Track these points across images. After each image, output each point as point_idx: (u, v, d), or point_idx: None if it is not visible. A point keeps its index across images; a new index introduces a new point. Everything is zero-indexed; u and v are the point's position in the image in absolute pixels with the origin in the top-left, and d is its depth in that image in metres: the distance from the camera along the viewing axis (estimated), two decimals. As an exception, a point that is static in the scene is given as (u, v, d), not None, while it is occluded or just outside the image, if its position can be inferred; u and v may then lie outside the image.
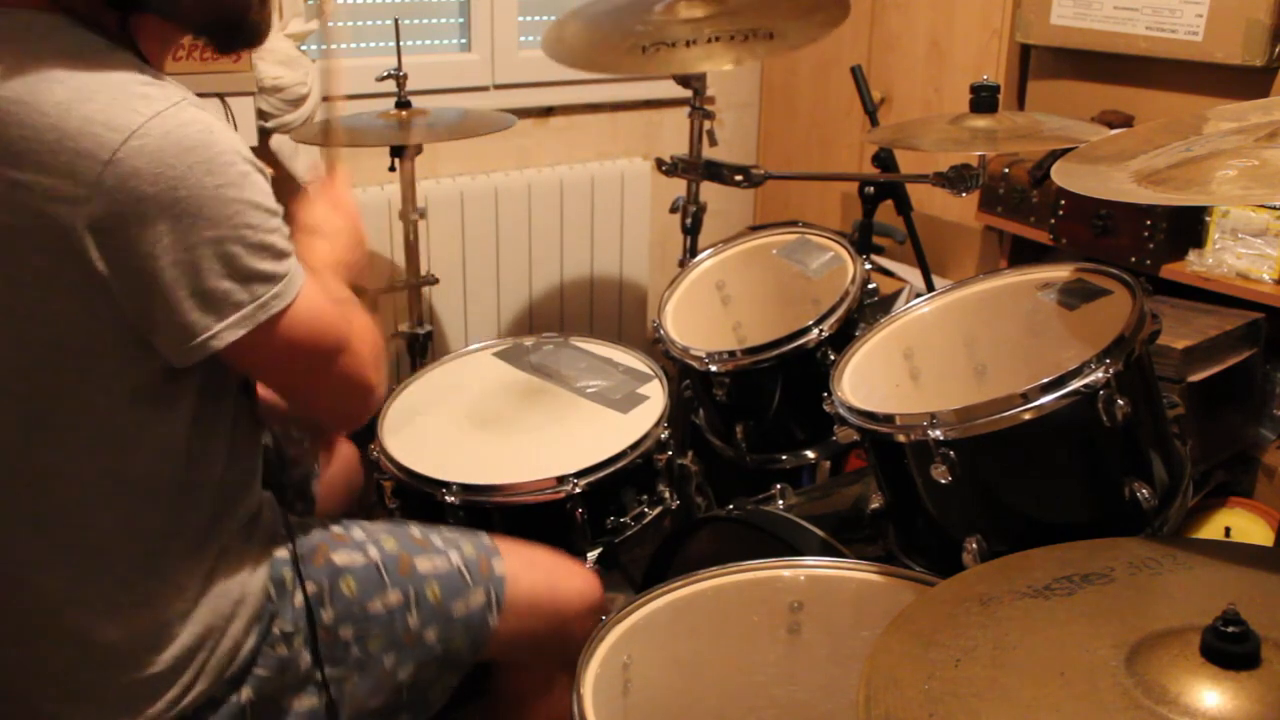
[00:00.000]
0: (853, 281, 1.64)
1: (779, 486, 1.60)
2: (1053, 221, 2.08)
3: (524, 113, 2.61)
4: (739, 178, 1.96)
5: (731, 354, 1.64)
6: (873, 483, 1.39)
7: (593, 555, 1.50)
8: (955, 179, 1.72)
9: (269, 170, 1.04)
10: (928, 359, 1.47)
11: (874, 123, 2.08)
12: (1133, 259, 1.94)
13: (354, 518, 1.59)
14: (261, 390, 1.21)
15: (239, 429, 1.14)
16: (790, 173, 2.85)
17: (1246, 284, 1.84)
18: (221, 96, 1.97)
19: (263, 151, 2.16)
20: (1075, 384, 1.16)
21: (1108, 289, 1.34)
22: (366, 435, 1.62)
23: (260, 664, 1.14)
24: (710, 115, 2.07)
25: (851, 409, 1.31)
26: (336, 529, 1.26)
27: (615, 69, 1.96)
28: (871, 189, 1.90)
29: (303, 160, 2.20)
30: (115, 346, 1.00)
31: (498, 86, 2.63)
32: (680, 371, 1.79)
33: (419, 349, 2.27)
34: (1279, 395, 1.94)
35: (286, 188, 2.05)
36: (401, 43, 2.06)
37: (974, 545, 1.22)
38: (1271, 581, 0.98)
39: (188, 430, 1.07)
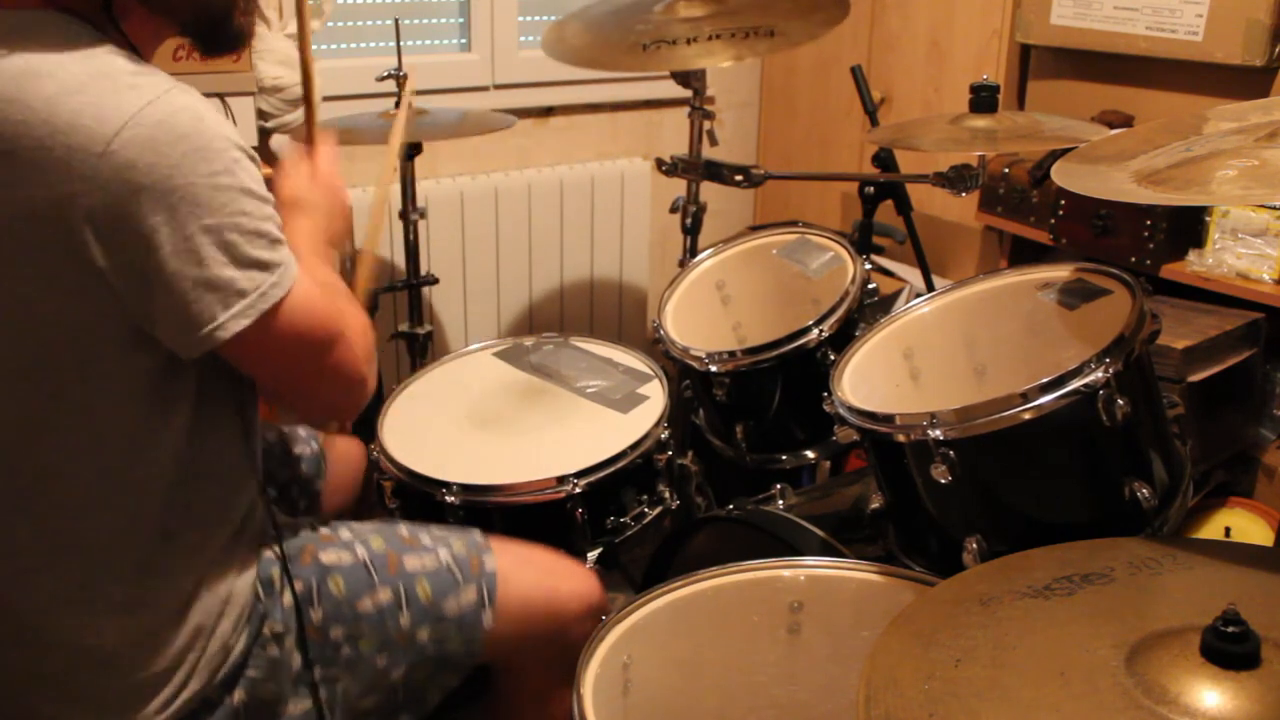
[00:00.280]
0: (853, 281, 1.64)
1: (779, 486, 1.60)
2: (1053, 221, 2.07)
3: (524, 113, 2.61)
4: (739, 178, 1.96)
5: (731, 354, 1.64)
6: (873, 483, 1.39)
7: (593, 555, 1.50)
8: (955, 179, 1.72)
9: (260, 161, 1.03)
10: (928, 359, 1.47)
11: (874, 123, 2.08)
12: (1133, 259, 1.94)
13: (355, 517, 1.60)
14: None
15: (236, 429, 1.14)
16: (790, 173, 2.85)
17: (1246, 284, 1.84)
18: (221, 96, 1.97)
19: (263, 151, 2.16)
20: (1075, 384, 1.16)
21: (1108, 289, 1.34)
22: (367, 435, 1.63)
23: (252, 665, 1.14)
24: (710, 115, 2.07)
25: (851, 409, 1.31)
26: (324, 529, 1.25)
27: (615, 67, 1.96)
28: (871, 189, 1.90)
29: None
30: (114, 345, 1.00)
31: (498, 86, 2.63)
32: (680, 371, 1.79)
33: (419, 349, 2.27)
34: (1279, 395, 1.94)
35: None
36: (401, 43, 2.06)
37: (974, 545, 1.22)
38: (1271, 581, 0.98)
39: (186, 431, 1.07)
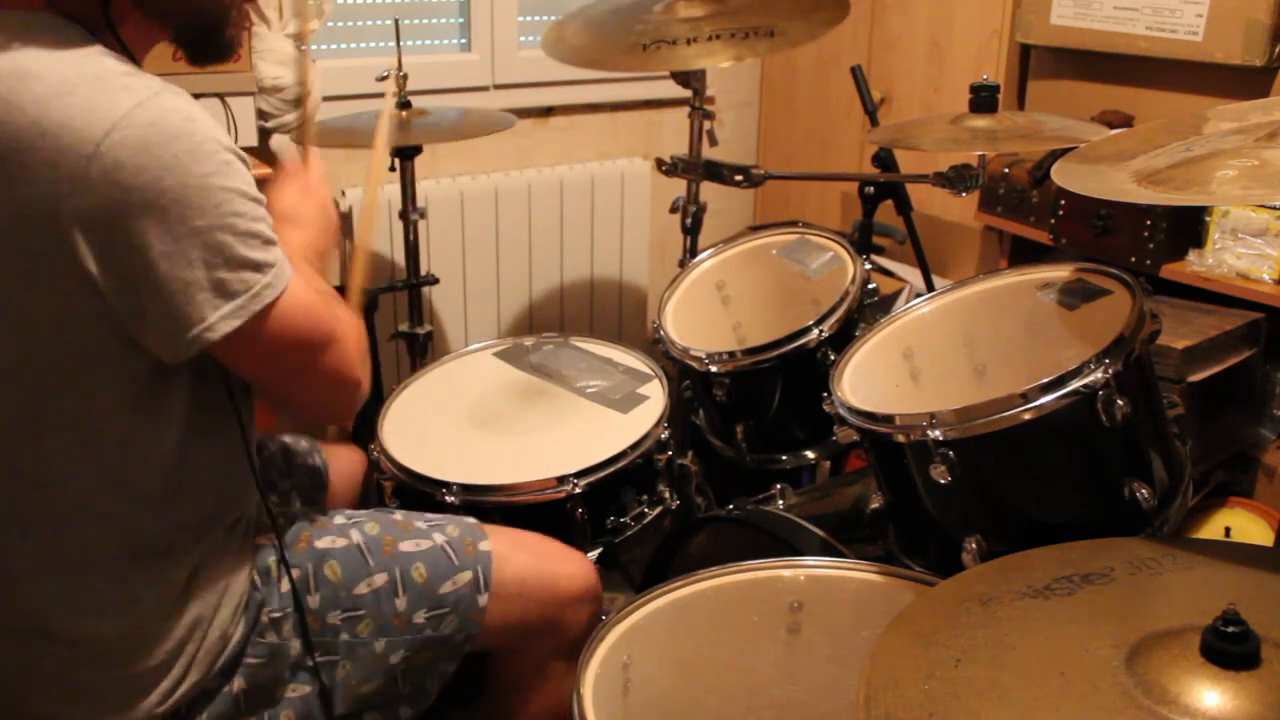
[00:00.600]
0: (853, 281, 1.64)
1: (779, 486, 1.60)
2: (1053, 221, 2.07)
3: (524, 113, 2.61)
4: (739, 178, 1.96)
5: (731, 354, 1.64)
6: (873, 483, 1.39)
7: (593, 555, 1.50)
8: (955, 179, 1.72)
9: (250, 163, 1.03)
10: (928, 359, 1.47)
11: (874, 123, 2.08)
12: (1133, 259, 1.94)
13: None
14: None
15: (232, 433, 1.14)
16: (790, 173, 2.85)
17: (1246, 284, 1.84)
18: (221, 96, 1.97)
19: (263, 151, 2.16)
20: (1075, 384, 1.16)
21: (1108, 289, 1.34)
22: (367, 435, 1.63)
23: (251, 653, 1.15)
24: (710, 115, 2.07)
25: (851, 409, 1.31)
26: (319, 517, 1.26)
27: (615, 67, 1.96)
28: (871, 189, 1.90)
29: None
30: (107, 350, 0.99)
31: (498, 86, 2.63)
32: (680, 372, 1.79)
33: (419, 349, 2.27)
34: (1279, 395, 1.94)
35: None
36: (401, 43, 2.05)
37: (974, 545, 1.22)
38: (1271, 581, 0.98)
39: (180, 435, 1.07)
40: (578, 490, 1.47)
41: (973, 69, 2.35)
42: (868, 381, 1.41)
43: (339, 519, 1.27)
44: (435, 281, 2.27)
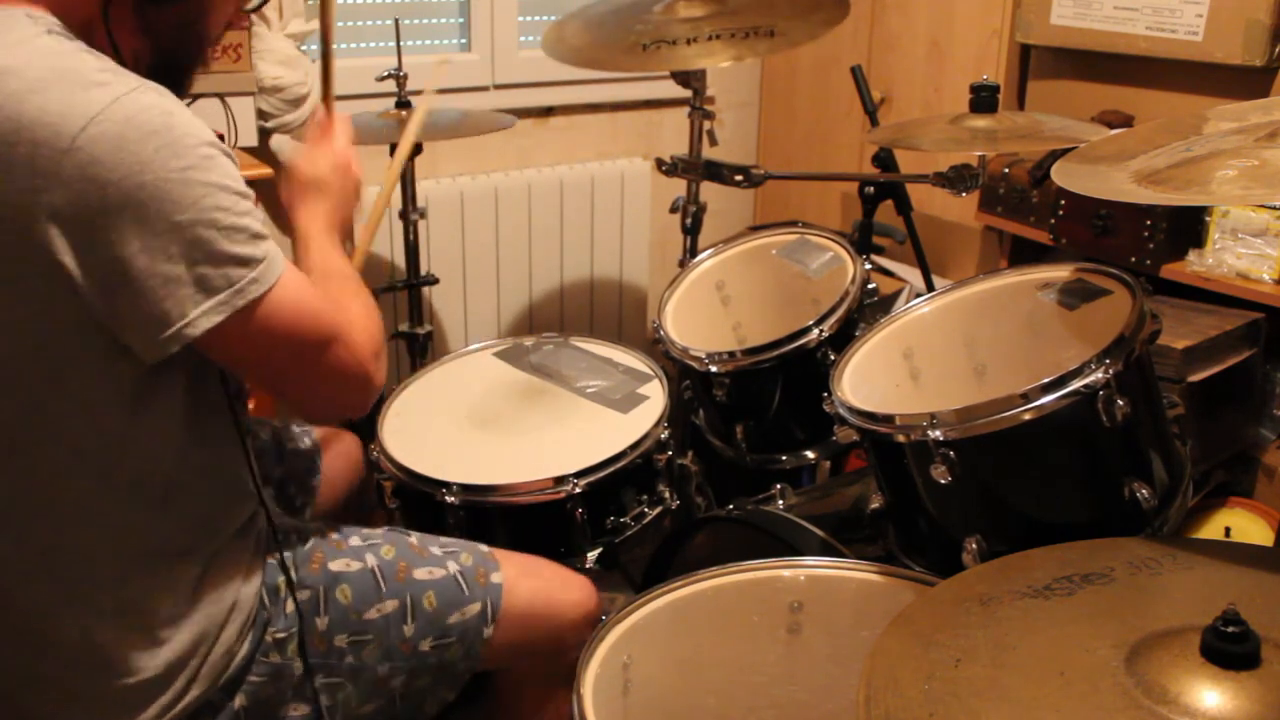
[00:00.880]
0: (853, 281, 1.64)
1: (779, 486, 1.60)
2: (1053, 221, 2.07)
3: (524, 113, 2.61)
4: (739, 178, 1.96)
5: (731, 354, 1.64)
6: (873, 483, 1.39)
7: (593, 555, 1.50)
8: (955, 179, 1.72)
9: (235, 158, 1.02)
10: (928, 359, 1.47)
11: (874, 123, 2.08)
12: (1133, 259, 1.94)
13: (353, 513, 1.60)
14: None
15: (227, 434, 1.13)
16: (790, 173, 2.85)
17: (1246, 284, 1.84)
18: (221, 96, 1.97)
19: (263, 151, 2.16)
20: (1075, 384, 1.16)
21: (1108, 289, 1.34)
22: (367, 435, 1.63)
23: (255, 671, 1.14)
24: (710, 115, 2.07)
25: (851, 409, 1.31)
26: (334, 535, 1.25)
27: (615, 67, 1.96)
28: (871, 189, 1.90)
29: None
30: (91, 353, 0.98)
31: (498, 86, 2.63)
32: (680, 372, 1.79)
33: (419, 349, 2.27)
34: (1279, 395, 1.94)
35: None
36: (401, 43, 2.06)
37: (974, 545, 1.22)
38: (1271, 581, 0.98)
39: (173, 438, 1.06)
40: (578, 490, 1.46)
41: (973, 69, 2.35)
42: (868, 381, 1.41)
43: (355, 539, 1.25)
44: (435, 281, 2.27)
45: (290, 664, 1.16)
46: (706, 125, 2.06)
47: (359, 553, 1.23)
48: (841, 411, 1.32)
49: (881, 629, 0.95)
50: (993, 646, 0.90)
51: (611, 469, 1.50)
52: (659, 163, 2.06)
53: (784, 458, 1.71)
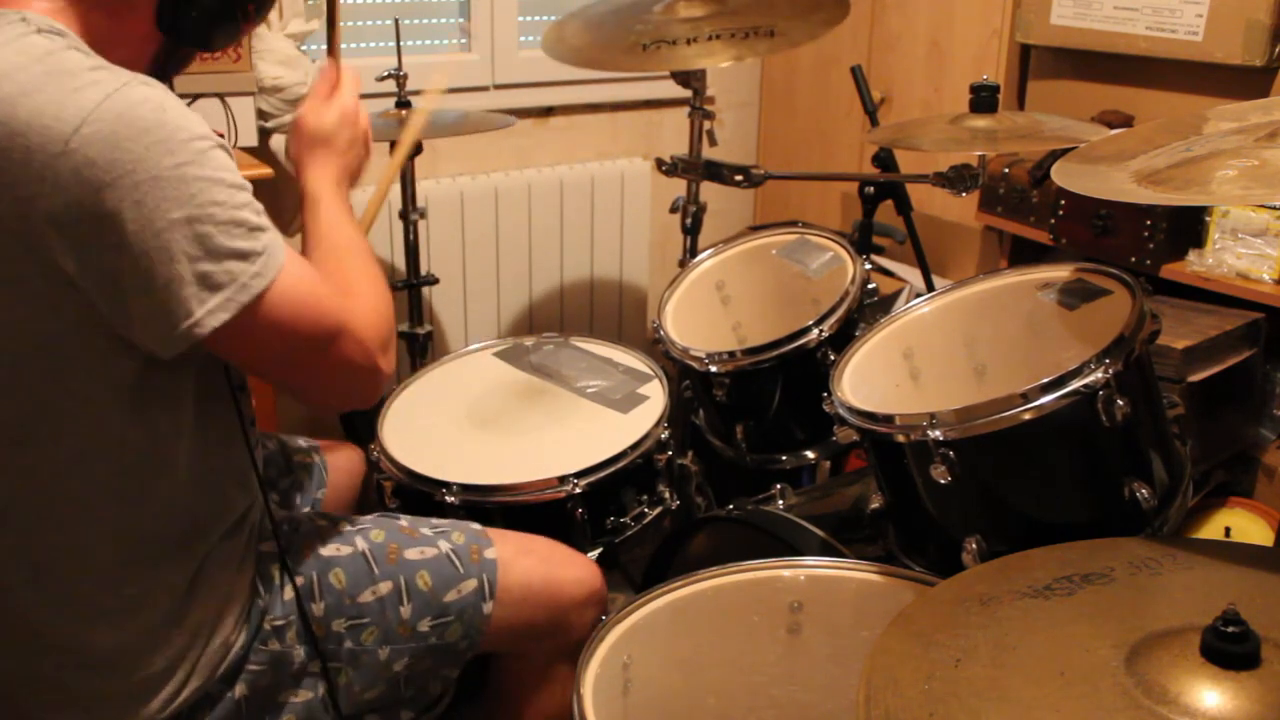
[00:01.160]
0: (853, 281, 1.64)
1: (779, 486, 1.60)
2: (1053, 221, 2.07)
3: (524, 113, 2.61)
4: (739, 178, 1.96)
5: (731, 354, 1.64)
6: (873, 483, 1.39)
7: (593, 555, 1.50)
8: (955, 179, 1.72)
9: (232, 147, 1.01)
10: (928, 359, 1.47)
11: (874, 123, 2.08)
12: (1133, 259, 1.94)
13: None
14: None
15: (230, 432, 1.13)
16: (790, 173, 2.84)
17: (1246, 284, 1.84)
18: (221, 96, 1.97)
19: (263, 151, 2.15)
20: (1075, 384, 1.16)
21: (1108, 289, 1.34)
22: (367, 435, 1.63)
23: (253, 660, 1.14)
24: (710, 115, 2.07)
25: (851, 409, 1.31)
26: (322, 522, 1.25)
27: (615, 67, 1.96)
28: (871, 189, 1.90)
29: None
30: (91, 352, 0.97)
31: (498, 86, 2.63)
32: (680, 371, 1.79)
33: (419, 349, 2.27)
34: (1279, 395, 1.94)
35: (286, 188, 2.05)
36: (401, 43, 2.05)
37: (974, 545, 1.22)
38: (1271, 581, 0.98)
39: (175, 437, 1.06)
40: (578, 490, 1.47)
41: (973, 69, 2.35)
42: (868, 381, 1.41)
43: (345, 526, 1.25)
44: (435, 281, 2.27)
45: (290, 651, 1.16)
46: (706, 125, 2.06)
47: (349, 537, 1.23)
48: (841, 411, 1.32)
49: (881, 629, 0.95)
50: (993, 646, 0.90)
51: (612, 469, 1.50)
52: (659, 163, 2.06)
53: (784, 458, 1.71)
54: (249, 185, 0.99)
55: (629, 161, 2.80)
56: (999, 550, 1.16)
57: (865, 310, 1.66)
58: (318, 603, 1.18)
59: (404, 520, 1.29)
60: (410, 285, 2.22)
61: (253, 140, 2.08)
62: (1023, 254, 2.26)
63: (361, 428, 1.68)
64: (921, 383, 1.47)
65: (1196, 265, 1.89)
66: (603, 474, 1.49)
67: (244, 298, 0.96)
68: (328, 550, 1.21)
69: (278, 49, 2.09)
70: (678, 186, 2.14)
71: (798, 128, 2.89)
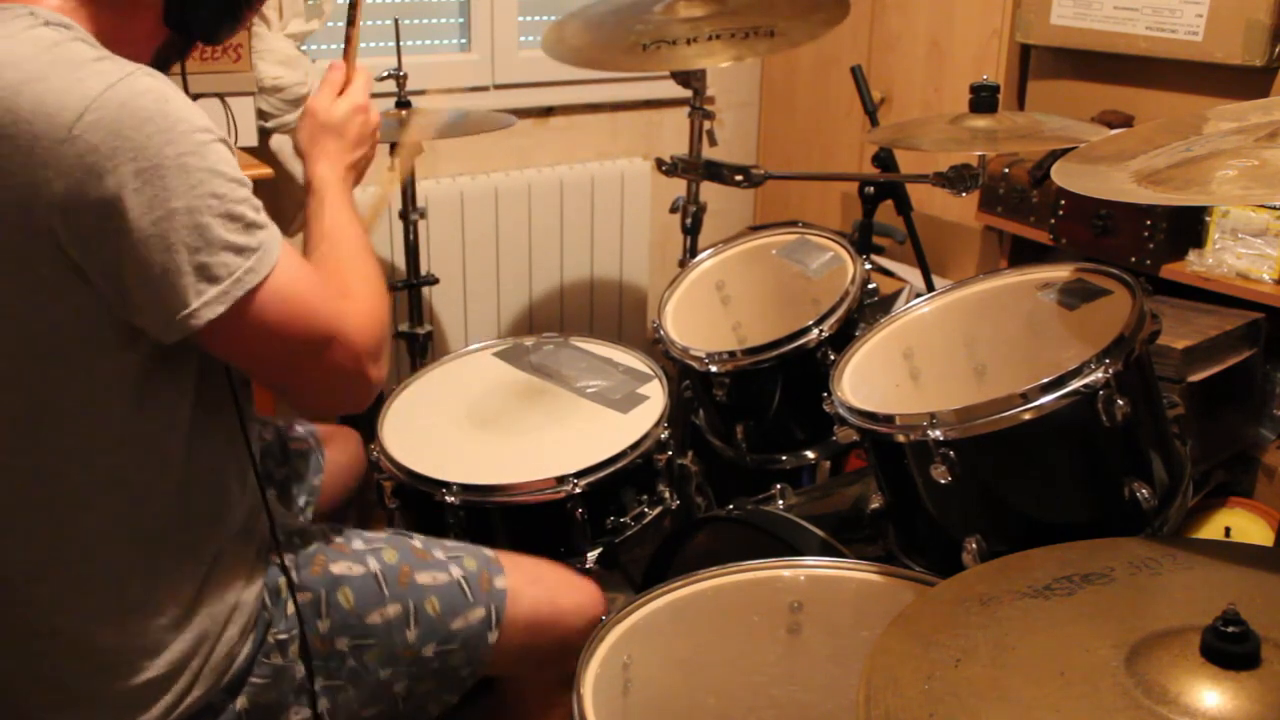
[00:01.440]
0: (853, 281, 1.64)
1: (779, 486, 1.60)
2: (1053, 221, 2.08)
3: (524, 113, 2.61)
4: (739, 178, 1.96)
5: (731, 354, 1.64)
6: (873, 483, 1.39)
7: (593, 555, 1.50)
8: (955, 179, 1.72)
9: (233, 146, 1.02)
10: (928, 359, 1.47)
11: (874, 123, 2.08)
12: (1133, 259, 1.94)
13: (354, 511, 1.59)
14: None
15: (231, 428, 1.13)
16: (790, 173, 2.85)
17: (1246, 284, 1.84)
18: (221, 96, 1.97)
19: (263, 151, 2.16)
20: (1075, 384, 1.16)
21: (1108, 289, 1.34)
22: (367, 435, 1.63)
23: (256, 672, 1.14)
24: (710, 115, 2.07)
25: (851, 409, 1.31)
26: (337, 539, 1.24)
27: (615, 67, 1.96)
28: (871, 189, 1.90)
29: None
30: (97, 344, 0.98)
31: (498, 86, 2.63)
32: (680, 371, 1.79)
33: (419, 349, 2.27)
34: (1279, 395, 1.94)
35: (286, 188, 2.05)
36: (401, 43, 2.05)
37: (974, 545, 1.22)
38: (1271, 581, 0.98)
39: (179, 431, 1.06)
40: (578, 490, 1.46)
41: (973, 69, 2.35)
42: (868, 381, 1.41)
43: (357, 543, 1.24)
44: (435, 281, 2.27)
45: (291, 666, 1.15)
46: (706, 125, 2.06)
47: (361, 556, 1.22)
48: (841, 411, 1.32)
49: (881, 629, 0.95)
50: (993, 646, 0.90)
51: (612, 469, 1.50)
52: (659, 163, 2.06)
53: (784, 458, 1.71)
54: (249, 181, 1.00)
55: (629, 161, 2.80)
56: (999, 550, 1.16)
57: (865, 310, 1.66)
58: (324, 620, 1.17)
59: (417, 540, 1.28)
60: (410, 285, 2.22)
61: (253, 140, 2.08)
62: (1023, 254, 2.26)
63: (361, 427, 1.68)
64: (921, 383, 1.47)
65: (1196, 265, 1.89)
66: (603, 474, 1.49)
67: (238, 292, 0.97)
68: (338, 568, 1.20)
69: (278, 49, 2.09)
70: (678, 186, 2.14)
71: (798, 128, 2.89)
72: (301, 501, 1.51)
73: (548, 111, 2.72)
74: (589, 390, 1.69)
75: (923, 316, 1.50)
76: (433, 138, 2.10)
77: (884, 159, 2.00)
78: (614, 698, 1.14)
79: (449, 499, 1.46)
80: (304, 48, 2.18)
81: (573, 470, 1.47)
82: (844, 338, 1.56)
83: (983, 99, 1.62)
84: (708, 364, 1.65)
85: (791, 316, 1.66)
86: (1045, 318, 1.40)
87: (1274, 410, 1.94)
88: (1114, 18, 2.06)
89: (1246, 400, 1.90)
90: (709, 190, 2.09)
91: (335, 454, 1.58)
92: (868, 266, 1.71)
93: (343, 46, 1.34)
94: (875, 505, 1.38)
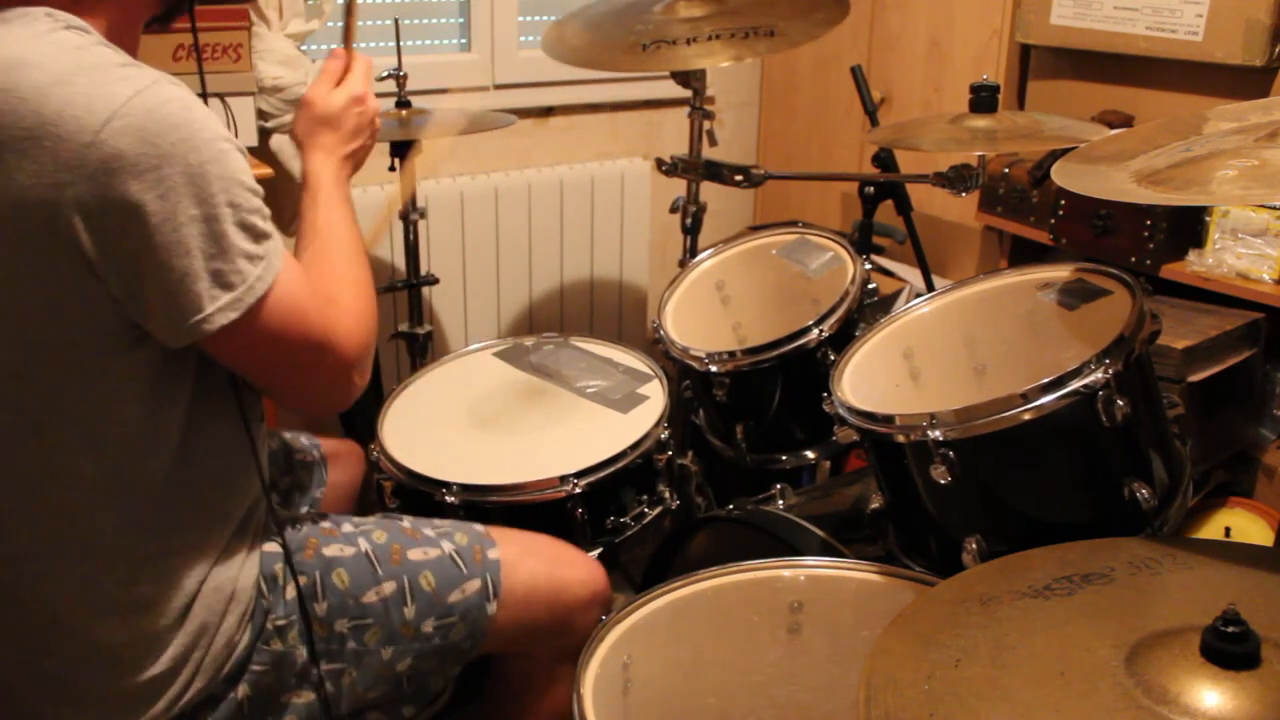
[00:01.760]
0: (853, 281, 1.64)
1: (779, 486, 1.60)
2: (1053, 221, 2.08)
3: (524, 113, 2.61)
4: (739, 178, 1.96)
5: (731, 354, 1.64)
6: (873, 483, 1.39)
7: (593, 555, 1.50)
8: (955, 179, 1.72)
9: (249, 157, 1.03)
10: (928, 359, 1.47)
11: (874, 123, 2.08)
12: (1133, 259, 1.94)
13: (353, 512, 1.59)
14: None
15: (237, 426, 1.14)
16: (790, 173, 2.85)
17: (1246, 284, 1.84)
18: (221, 96, 1.97)
19: (263, 151, 2.15)
20: (1075, 384, 1.16)
21: (1108, 289, 1.34)
22: (367, 435, 1.63)
23: (256, 660, 1.14)
24: (710, 115, 2.07)
25: (851, 409, 1.31)
26: (325, 523, 1.25)
27: (615, 67, 1.96)
28: (871, 189, 1.90)
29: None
30: (109, 342, 0.99)
31: (498, 86, 2.63)
32: (680, 371, 1.79)
33: (419, 349, 2.27)
34: (1279, 395, 1.94)
35: (286, 188, 2.05)
36: (401, 43, 2.05)
37: (974, 545, 1.22)
38: (1271, 581, 0.98)
39: (186, 429, 1.07)
40: (578, 490, 1.47)
41: (973, 69, 2.35)
42: (868, 381, 1.41)
43: (347, 526, 1.26)
44: (435, 281, 2.27)
45: (292, 651, 1.16)
46: (706, 125, 2.06)
47: (352, 538, 1.23)
48: (841, 411, 1.32)
49: (881, 629, 0.95)
50: (993, 646, 0.90)
51: (612, 469, 1.50)
52: (659, 163, 2.06)
53: (784, 458, 1.71)
54: (261, 190, 1.02)
55: (629, 161, 2.79)
56: (999, 550, 1.16)
57: (865, 310, 1.66)
58: (320, 603, 1.18)
59: (406, 521, 1.30)
60: (410, 285, 2.22)
61: (253, 140, 2.08)
62: (1023, 254, 2.26)
63: (361, 427, 1.68)
64: (921, 383, 1.47)
65: (1196, 265, 1.89)
66: (603, 474, 1.49)
67: (250, 299, 0.99)
68: (330, 550, 1.21)
69: (278, 49, 2.09)
70: (678, 186, 2.14)
71: (798, 128, 2.90)
72: (302, 510, 1.51)
73: (548, 111, 2.72)
74: (589, 390, 1.69)
75: (923, 316, 1.50)
76: (427, 134, 2.09)
77: (884, 159, 2.00)
78: (614, 698, 1.14)
79: (449, 499, 1.46)
80: (304, 48, 2.18)
81: (573, 470, 1.47)
82: (844, 338, 1.56)
83: (983, 99, 1.63)
84: (708, 364, 1.65)
85: (791, 316, 1.66)
86: (1045, 318, 1.40)
87: (1274, 410, 1.94)
88: (1114, 18, 2.06)
89: (1246, 400, 1.90)
90: (709, 190, 2.09)
91: (338, 466, 1.58)
92: (868, 266, 1.71)
93: (343, 36, 1.35)
94: (875, 505, 1.38)
